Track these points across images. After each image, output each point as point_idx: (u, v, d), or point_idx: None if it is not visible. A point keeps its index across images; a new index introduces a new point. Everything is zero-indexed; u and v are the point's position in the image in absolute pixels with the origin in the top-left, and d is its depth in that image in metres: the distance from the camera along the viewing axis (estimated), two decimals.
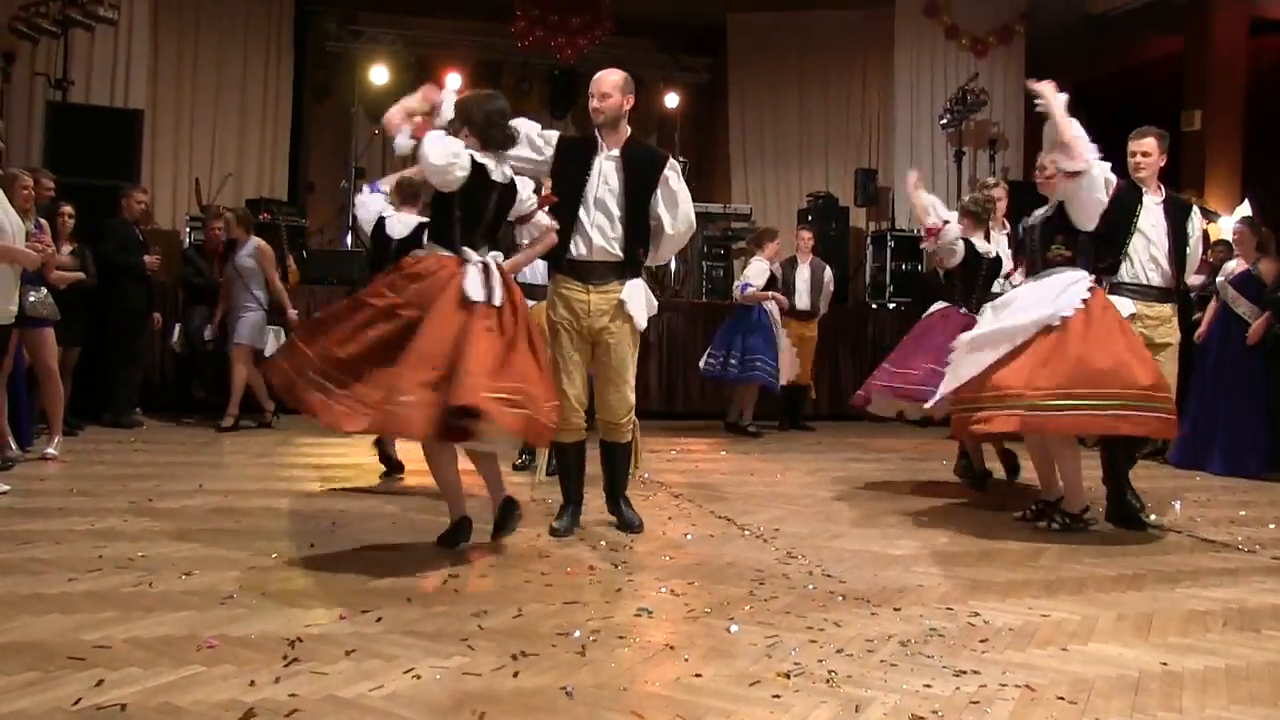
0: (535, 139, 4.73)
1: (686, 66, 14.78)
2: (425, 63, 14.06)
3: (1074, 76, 14.17)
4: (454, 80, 13.93)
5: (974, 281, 6.71)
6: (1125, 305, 5.47)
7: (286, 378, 4.22)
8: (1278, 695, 3.07)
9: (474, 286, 4.22)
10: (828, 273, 10.01)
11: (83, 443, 7.24)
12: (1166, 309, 5.67)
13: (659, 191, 4.80)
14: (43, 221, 6.52)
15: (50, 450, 6.46)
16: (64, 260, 6.90)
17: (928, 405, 5.91)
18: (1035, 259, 5.43)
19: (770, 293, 9.34)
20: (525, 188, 4.69)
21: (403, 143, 4.45)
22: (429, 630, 3.38)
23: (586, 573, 4.23)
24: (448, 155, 4.25)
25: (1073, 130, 5.16)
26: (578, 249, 4.80)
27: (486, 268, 4.31)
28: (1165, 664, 3.31)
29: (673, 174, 4.83)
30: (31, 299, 6.15)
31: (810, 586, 4.12)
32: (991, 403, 5.04)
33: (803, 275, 9.79)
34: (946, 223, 6.72)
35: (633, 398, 4.97)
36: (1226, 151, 12.11)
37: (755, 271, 9.38)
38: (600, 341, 4.85)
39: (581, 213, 4.76)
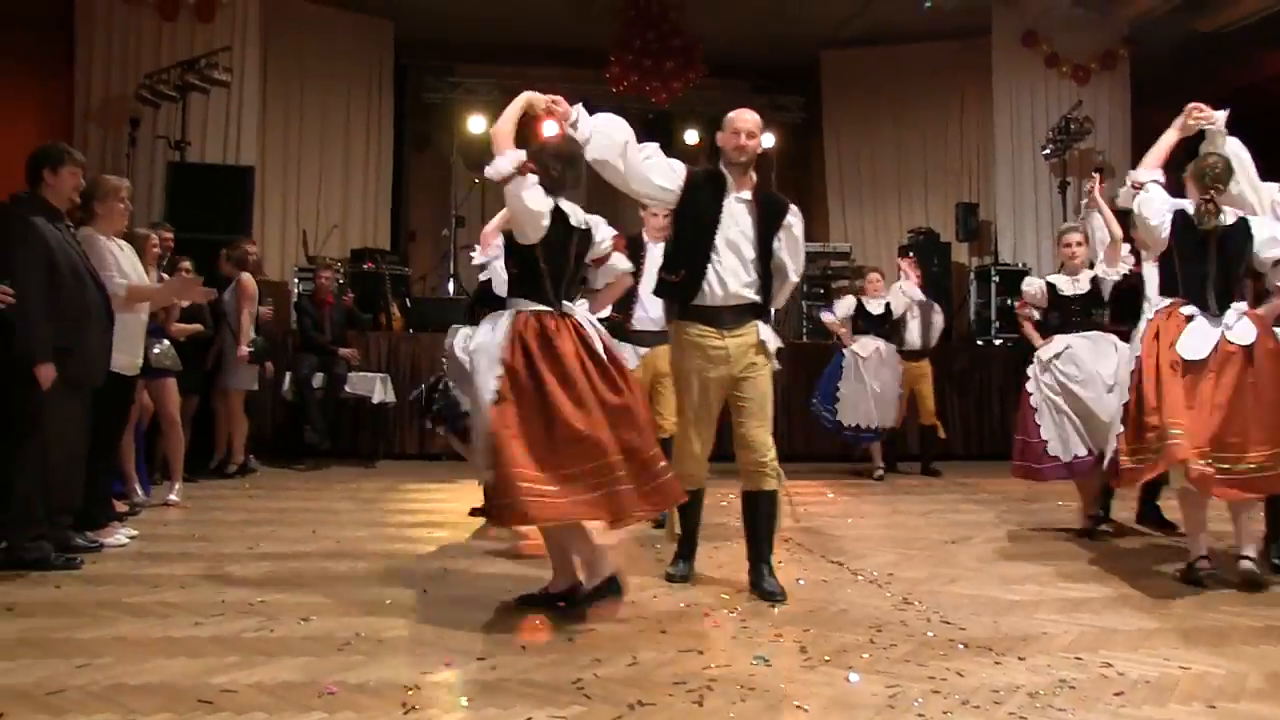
0: (668, 166, 4.58)
1: (780, 106, 14.75)
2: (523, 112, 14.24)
3: (1184, 99, 13.83)
4: (551, 128, 14.13)
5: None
6: None
7: (555, 510, 3.95)
8: None
9: (597, 339, 4.17)
10: (937, 309, 9.78)
11: (200, 489, 7.42)
12: None
13: (783, 236, 4.66)
14: (165, 276, 6.72)
15: (172, 496, 6.64)
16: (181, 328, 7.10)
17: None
18: None
19: (839, 329, 9.14)
20: (601, 231, 4.46)
21: (503, 167, 4.15)
22: (544, 679, 3.36)
23: (701, 620, 4.19)
24: (543, 203, 4.13)
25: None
26: (711, 293, 4.56)
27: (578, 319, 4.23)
28: None
29: (796, 221, 4.72)
30: (155, 351, 6.34)
31: (929, 634, 4.02)
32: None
33: (912, 310, 9.48)
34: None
35: (772, 441, 4.71)
36: None
37: (840, 304, 9.29)
38: (742, 380, 4.62)
39: (713, 255, 4.54)
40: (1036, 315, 6.64)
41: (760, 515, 4.68)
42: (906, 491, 8.30)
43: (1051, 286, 6.50)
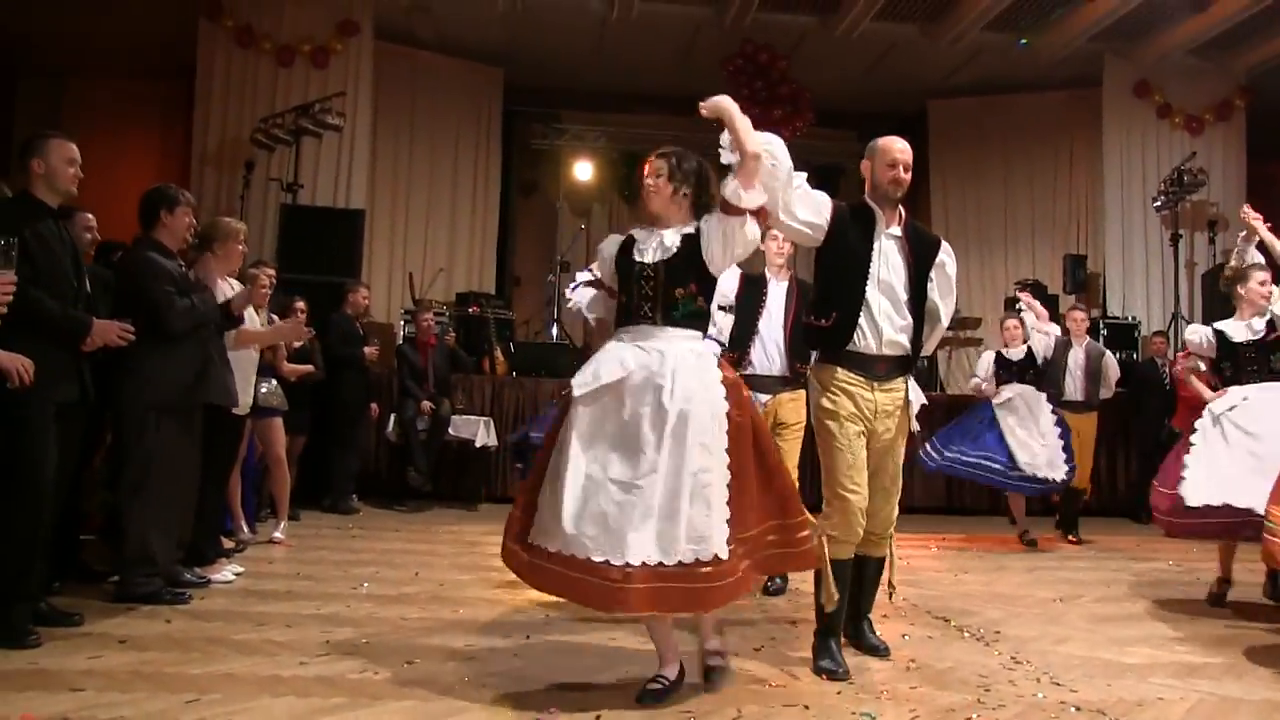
0: (814, 200, 4.18)
1: None
2: (628, 158, 14.41)
3: None
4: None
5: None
6: None
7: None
8: None
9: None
10: (1109, 358, 8.82)
11: (305, 527, 7.56)
12: None
13: (935, 276, 4.28)
14: (274, 317, 6.90)
15: (277, 534, 6.78)
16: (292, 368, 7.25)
17: None
18: None
19: (981, 385, 8.43)
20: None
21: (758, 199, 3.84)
22: None
23: (805, 676, 4.12)
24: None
25: None
26: (864, 340, 4.16)
27: None
28: None
29: (949, 259, 4.34)
30: (264, 390, 6.50)
31: (1040, 695, 3.90)
32: None
33: (1075, 359, 8.58)
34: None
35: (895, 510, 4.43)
36: None
37: (980, 362, 8.70)
38: (879, 445, 4.25)
39: (869, 297, 4.15)
40: (1202, 367, 6.14)
41: (867, 577, 4.47)
42: (1012, 548, 8.08)
43: (1220, 334, 5.87)
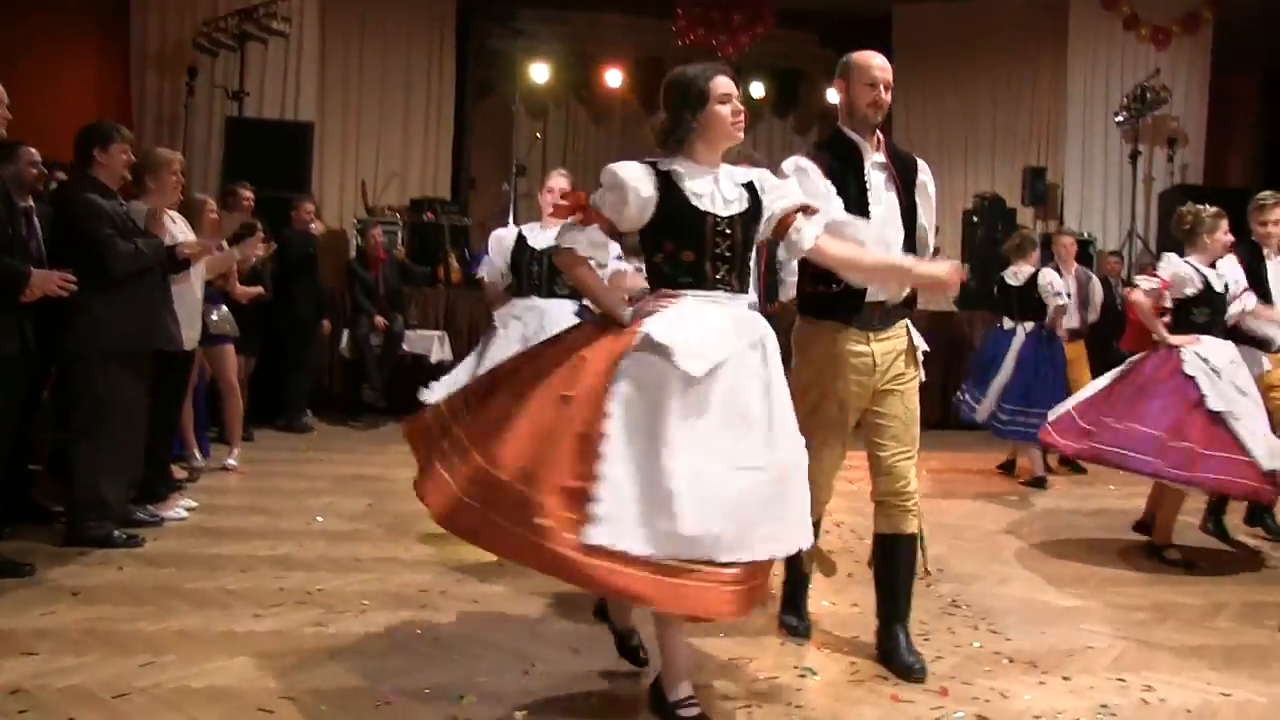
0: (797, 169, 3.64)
1: None
2: (585, 59, 14.19)
3: (1265, 65, 13.47)
4: (614, 77, 14.07)
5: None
6: None
7: None
8: None
9: None
10: (1095, 281, 8.65)
11: (259, 450, 7.58)
12: None
13: (919, 199, 3.80)
14: (223, 244, 6.79)
15: (230, 461, 6.79)
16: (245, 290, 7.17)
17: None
18: None
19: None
20: None
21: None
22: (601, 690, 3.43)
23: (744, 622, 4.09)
24: None
25: None
26: (853, 293, 3.66)
27: None
28: None
29: (928, 178, 3.87)
30: (214, 317, 6.45)
31: (976, 644, 4.03)
32: None
33: (1066, 288, 8.11)
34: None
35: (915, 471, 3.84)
36: None
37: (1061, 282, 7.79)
38: (886, 393, 3.73)
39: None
40: (1168, 302, 5.65)
41: (900, 565, 3.80)
42: (962, 469, 8.21)
43: (1205, 275, 5.49)
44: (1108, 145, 12.63)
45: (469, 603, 4.31)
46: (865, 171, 3.69)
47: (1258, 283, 5.82)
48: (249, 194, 7.72)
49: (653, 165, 3.16)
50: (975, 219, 12.49)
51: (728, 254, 3.12)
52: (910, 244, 3.73)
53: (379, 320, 9.03)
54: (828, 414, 3.71)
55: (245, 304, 7.03)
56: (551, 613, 4.24)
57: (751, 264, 3.24)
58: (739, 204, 3.17)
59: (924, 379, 3.86)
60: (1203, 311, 5.50)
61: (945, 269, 3.41)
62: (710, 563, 2.82)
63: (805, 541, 3.10)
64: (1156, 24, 12.57)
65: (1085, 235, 12.14)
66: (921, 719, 3.32)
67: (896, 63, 13.36)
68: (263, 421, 8.36)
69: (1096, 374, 7.63)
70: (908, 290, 3.75)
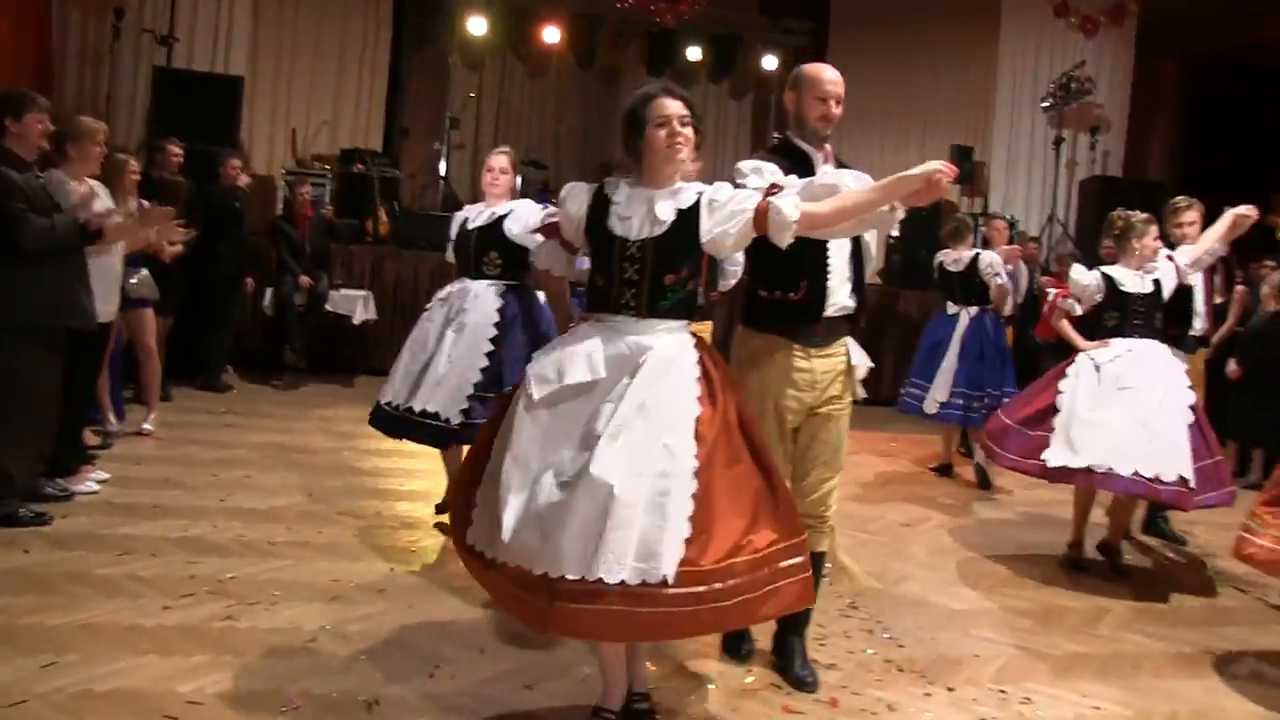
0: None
1: (788, 29, 14.54)
2: (523, 15, 14.04)
3: (1187, 54, 13.76)
4: (552, 34, 13.96)
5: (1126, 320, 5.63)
6: None
7: None
8: None
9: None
10: (1023, 268, 8.75)
11: (176, 412, 7.52)
12: None
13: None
14: (144, 203, 6.70)
15: (146, 426, 6.75)
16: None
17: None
18: None
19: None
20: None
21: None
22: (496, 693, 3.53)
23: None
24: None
25: None
26: (811, 301, 3.68)
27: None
28: None
29: None
30: (133, 280, 6.36)
31: (869, 651, 4.20)
32: None
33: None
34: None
35: (838, 492, 3.90)
36: None
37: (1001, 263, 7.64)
38: (823, 417, 3.76)
39: (830, 254, 3.64)
40: (1078, 310, 5.73)
41: None
42: (875, 453, 8.42)
43: (1110, 280, 5.64)
44: (1034, 129, 12.91)
45: (377, 594, 4.37)
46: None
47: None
48: (178, 150, 7.65)
49: (600, 186, 3.28)
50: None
51: (634, 278, 3.15)
52: (856, 257, 3.73)
53: (304, 279, 8.97)
54: (767, 427, 3.63)
55: (166, 261, 6.95)
56: (461, 605, 4.32)
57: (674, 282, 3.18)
58: (661, 228, 3.16)
59: (862, 395, 3.88)
60: (1112, 315, 5.60)
61: (934, 165, 3.21)
62: (544, 576, 2.86)
63: (649, 575, 2.83)
64: (1085, 13, 12.78)
65: (1009, 218, 12.37)
66: None
67: (833, 33, 13.59)
68: (181, 379, 8.28)
69: (1016, 359, 7.90)
70: (852, 305, 3.72)
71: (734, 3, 14.52)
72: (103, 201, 5.42)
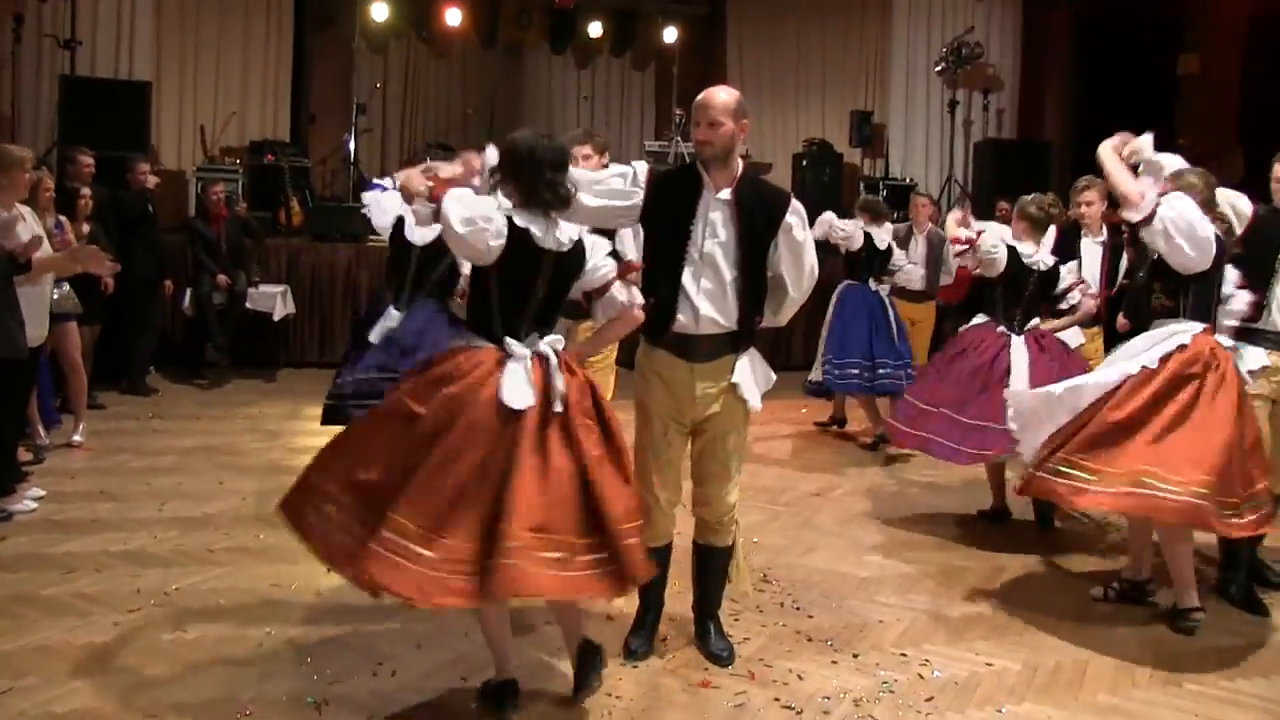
0: (620, 185, 3.84)
1: (686, 1, 14.77)
2: None
3: (1071, 5, 14.22)
4: (454, 16, 14.02)
5: (1018, 296, 5.95)
6: (1255, 356, 4.87)
7: (293, 509, 3.48)
8: None
9: (517, 390, 3.34)
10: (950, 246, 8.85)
11: (104, 419, 7.62)
12: None
13: (780, 242, 3.89)
14: (63, 220, 6.79)
15: (76, 438, 6.86)
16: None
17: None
18: (1140, 308, 4.85)
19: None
20: (597, 253, 3.66)
21: (421, 211, 3.58)
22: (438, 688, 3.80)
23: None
24: (476, 218, 3.36)
25: (1125, 185, 4.64)
26: (681, 319, 3.84)
27: (542, 361, 3.46)
28: None
29: (796, 220, 3.89)
30: (56, 296, 6.44)
31: (780, 624, 4.53)
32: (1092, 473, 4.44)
33: (917, 248, 8.45)
34: (981, 232, 6.07)
35: (737, 494, 4.13)
36: (1222, 97, 12.05)
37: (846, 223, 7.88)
38: (705, 431, 3.99)
39: (686, 273, 3.82)
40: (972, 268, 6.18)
41: (710, 571, 4.20)
42: (792, 426, 8.73)
43: (1013, 251, 5.88)
44: (929, 92, 13.26)
45: (315, 596, 4.60)
46: (699, 205, 3.83)
47: (1072, 257, 6.33)
48: (89, 160, 7.71)
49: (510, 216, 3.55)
50: (805, 163, 13.02)
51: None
52: (749, 283, 3.86)
53: (222, 279, 9.05)
54: (654, 437, 3.97)
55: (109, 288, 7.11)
56: (393, 603, 4.44)
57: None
58: (561, 246, 3.54)
59: (758, 408, 4.00)
60: (1003, 289, 5.96)
61: None
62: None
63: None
64: None
65: (909, 181, 12.79)
66: (726, 704, 3.81)
67: (729, 4, 13.79)
68: (106, 383, 8.36)
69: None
70: (734, 327, 3.89)
71: None
72: (30, 228, 5.51)
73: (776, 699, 3.86)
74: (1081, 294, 6.11)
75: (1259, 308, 4.91)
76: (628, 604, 4.26)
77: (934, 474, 7.06)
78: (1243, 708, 3.97)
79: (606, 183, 3.85)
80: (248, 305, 9.30)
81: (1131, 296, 5.19)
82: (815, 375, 8.05)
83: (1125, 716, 3.87)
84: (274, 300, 9.42)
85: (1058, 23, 14.73)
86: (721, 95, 3.85)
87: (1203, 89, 12.09)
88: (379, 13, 13.68)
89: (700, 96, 3.88)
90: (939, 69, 12.95)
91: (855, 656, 4.26)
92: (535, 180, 3.46)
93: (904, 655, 4.29)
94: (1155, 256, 4.66)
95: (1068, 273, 6.06)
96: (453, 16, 14.02)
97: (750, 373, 3.95)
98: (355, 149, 13.67)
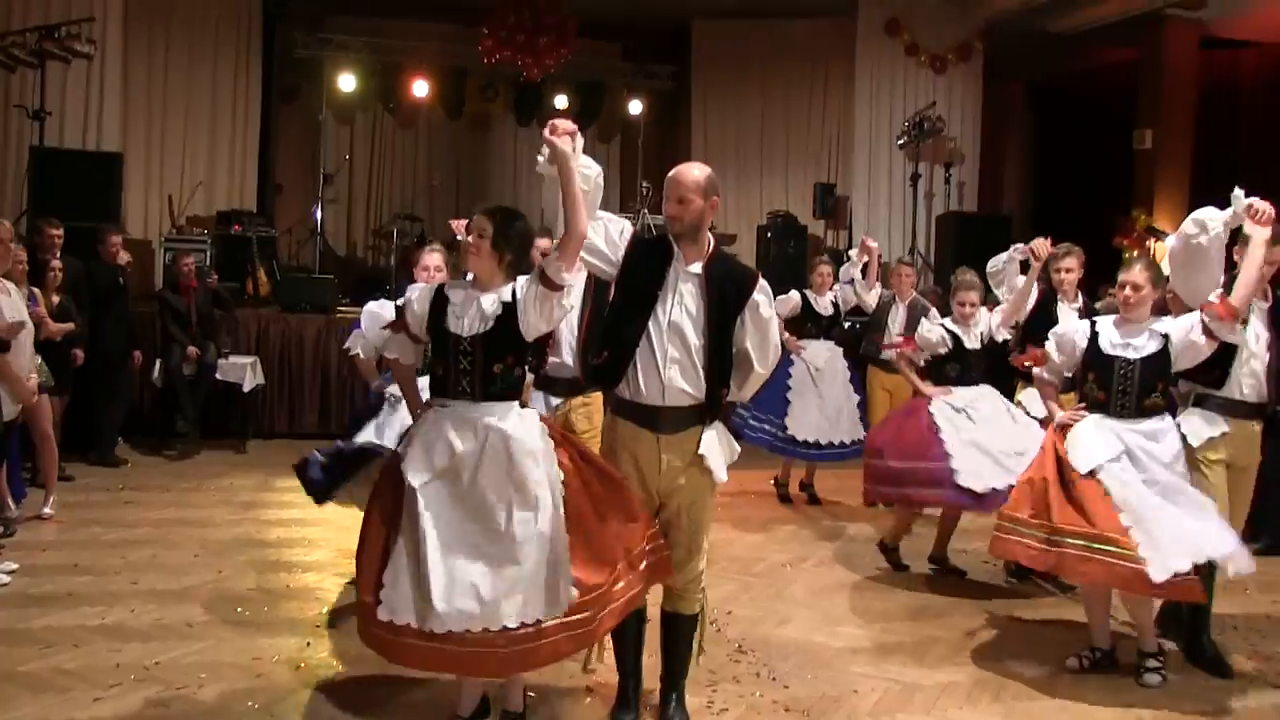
0: (611, 232, 3.95)
1: (651, 73, 15.06)
2: (392, 70, 14.30)
3: (1029, 81, 14.69)
4: (421, 88, 14.22)
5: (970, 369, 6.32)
6: (1216, 423, 4.97)
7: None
8: None
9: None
10: (934, 315, 8.22)
11: (74, 491, 7.58)
12: (1255, 427, 5.08)
13: (746, 318, 3.94)
14: (35, 291, 6.83)
15: (46, 510, 6.82)
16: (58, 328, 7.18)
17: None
18: (1128, 399, 4.82)
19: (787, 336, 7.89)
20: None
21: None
22: None
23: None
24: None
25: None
26: (648, 389, 3.88)
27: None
28: None
29: (764, 298, 3.95)
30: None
31: (758, 694, 4.58)
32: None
33: (897, 316, 8.21)
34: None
35: (704, 563, 4.18)
36: (1176, 170, 12.52)
37: (783, 301, 7.92)
38: (670, 503, 4.02)
39: (654, 342, 3.87)
40: (921, 362, 6.41)
41: (677, 639, 4.21)
42: (756, 494, 8.77)
43: (955, 336, 6.31)
44: (891, 165, 13.61)
45: (295, 670, 4.61)
46: (669, 275, 3.90)
47: (1051, 324, 6.27)
48: (57, 232, 7.75)
49: (437, 288, 3.93)
50: (769, 234, 13.25)
51: (468, 368, 3.75)
52: (715, 355, 3.90)
53: (191, 350, 9.07)
54: None
55: (57, 340, 7.09)
56: (373, 675, 4.53)
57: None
58: (485, 323, 3.77)
59: (723, 480, 4.03)
60: (954, 367, 6.33)
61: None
62: (468, 632, 3.50)
63: (561, 606, 3.58)
64: (934, 51, 13.59)
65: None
66: None
67: (695, 75, 14.16)
68: (74, 454, 8.32)
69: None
70: (701, 399, 3.93)
71: (598, 50, 15.01)
72: (15, 305, 5.55)
73: None
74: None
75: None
76: (610, 674, 4.32)
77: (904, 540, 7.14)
78: None
79: (605, 225, 3.95)
80: (217, 376, 9.30)
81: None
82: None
83: None
84: (244, 371, 9.43)
85: (1017, 97, 15.23)
86: (694, 172, 3.93)
87: (1159, 161, 12.48)
88: (346, 84, 13.91)
89: (672, 173, 3.96)
90: (901, 142, 13.29)
91: None
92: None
93: None
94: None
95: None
96: (419, 88, 14.23)
97: (717, 445, 3.98)
98: (321, 219, 13.84)
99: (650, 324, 3.88)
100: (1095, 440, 4.76)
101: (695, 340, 3.89)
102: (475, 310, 3.76)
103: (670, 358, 3.87)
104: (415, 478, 3.64)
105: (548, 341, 5.13)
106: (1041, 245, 6.32)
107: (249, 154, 13.28)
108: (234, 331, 9.96)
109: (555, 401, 5.34)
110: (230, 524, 7.04)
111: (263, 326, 10.21)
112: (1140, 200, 12.41)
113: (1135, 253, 11.03)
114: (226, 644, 4.88)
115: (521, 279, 3.80)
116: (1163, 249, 10.47)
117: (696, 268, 3.92)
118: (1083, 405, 4.95)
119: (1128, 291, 4.82)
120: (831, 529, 7.71)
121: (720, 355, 3.94)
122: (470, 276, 3.91)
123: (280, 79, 14.13)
